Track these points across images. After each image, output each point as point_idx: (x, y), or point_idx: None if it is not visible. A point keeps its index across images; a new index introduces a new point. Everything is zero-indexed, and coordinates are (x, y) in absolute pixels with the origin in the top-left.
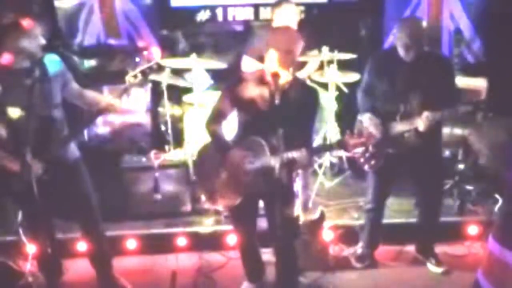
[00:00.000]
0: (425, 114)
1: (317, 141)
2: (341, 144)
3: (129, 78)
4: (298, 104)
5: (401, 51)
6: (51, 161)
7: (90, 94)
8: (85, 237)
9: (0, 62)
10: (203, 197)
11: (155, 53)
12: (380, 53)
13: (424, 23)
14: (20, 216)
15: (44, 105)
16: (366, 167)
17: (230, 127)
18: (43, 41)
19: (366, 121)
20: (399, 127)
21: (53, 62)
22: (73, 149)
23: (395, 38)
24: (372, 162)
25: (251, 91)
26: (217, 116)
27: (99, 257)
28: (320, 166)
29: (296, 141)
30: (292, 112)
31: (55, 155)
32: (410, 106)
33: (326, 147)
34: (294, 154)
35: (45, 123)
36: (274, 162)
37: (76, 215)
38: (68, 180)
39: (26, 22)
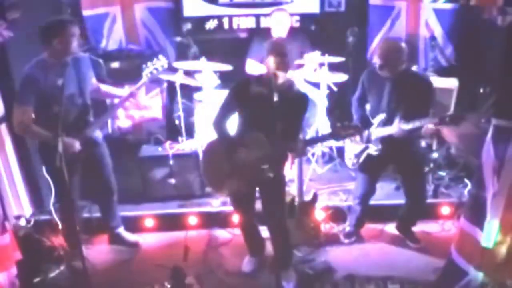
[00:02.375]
0: (397, 124)
1: (310, 134)
2: (332, 135)
3: (145, 73)
4: (293, 102)
5: (378, 70)
6: (85, 141)
7: (106, 87)
8: (104, 215)
9: (43, 57)
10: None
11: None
12: (370, 70)
13: (397, 45)
14: (52, 198)
15: (80, 93)
16: (352, 165)
17: (233, 124)
18: (80, 41)
19: None
20: (380, 132)
21: (84, 60)
22: (99, 135)
23: None
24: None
25: (254, 90)
26: (223, 114)
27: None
28: (313, 155)
29: (291, 133)
30: (288, 108)
31: (88, 137)
32: (390, 116)
33: (318, 138)
34: (291, 145)
35: (81, 109)
36: (274, 152)
37: (97, 196)
38: (95, 161)
39: (69, 23)
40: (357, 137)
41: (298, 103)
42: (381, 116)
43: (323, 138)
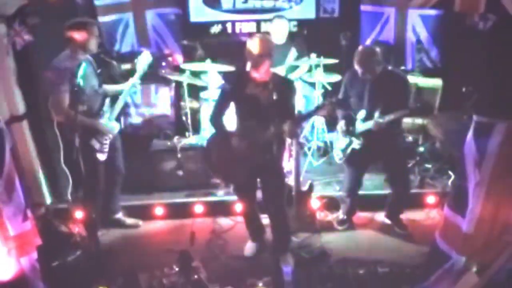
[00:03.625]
0: (376, 118)
1: (305, 129)
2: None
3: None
4: (281, 92)
5: (360, 75)
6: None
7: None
8: (106, 201)
9: (67, 52)
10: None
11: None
12: (351, 73)
13: (371, 50)
14: (70, 187)
15: (99, 86)
16: (339, 159)
17: (230, 118)
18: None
19: (339, 126)
20: (362, 126)
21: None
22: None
23: None
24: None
25: (244, 86)
26: (219, 108)
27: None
28: (309, 149)
29: (284, 117)
30: (278, 98)
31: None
32: (370, 112)
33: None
34: (284, 127)
35: (101, 99)
36: (268, 137)
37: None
38: (112, 147)
39: (89, 25)
40: (343, 128)
41: (286, 92)
42: (362, 113)
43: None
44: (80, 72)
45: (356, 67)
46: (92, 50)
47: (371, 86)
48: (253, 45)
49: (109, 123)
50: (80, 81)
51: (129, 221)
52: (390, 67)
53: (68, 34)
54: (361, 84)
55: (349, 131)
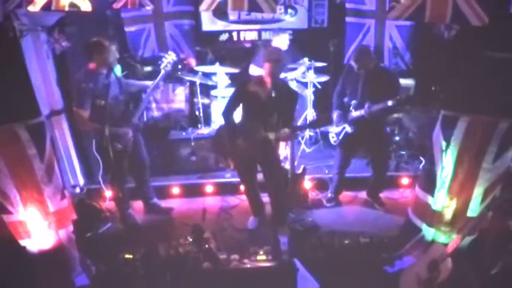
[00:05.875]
0: (366, 106)
1: (299, 122)
2: (313, 124)
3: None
4: (285, 98)
5: (355, 70)
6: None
7: (133, 81)
8: (139, 189)
9: (89, 68)
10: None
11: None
12: (348, 69)
13: (366, 49)
14: (101, 171)
15: (121, 93)
16: (333, 142)
17: (238, 114)
18: (117, 55)
19: (335, 115)
20: (355, 114)
21: (117, 69)
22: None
23: None
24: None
25: (255, 88)
26: (230, 106)
27: (145, 197)
28: (302, 137)
29: (284, 121)
30: (282, 103)
31: (133, 123)
32: (361, 102)
33: (303, 127)
34: (285, 130)
35: (124, 104)
36: (270, 136)
37: (134, 171)
38: (135, 143)
39: (106, 43)
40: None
41: (289, 97)
42: (355, 102)
43: (305, 127)
44: (99, 87)
45: (353, 63)
46: (111, 63)
47: (364, 80)
48: (266, 52)
49: (121, 129)
50: (100, 95)
51: (163, 205)
52: (382, 64)
53: (88, 51)
54: (356, 77)
55: (344, 118)
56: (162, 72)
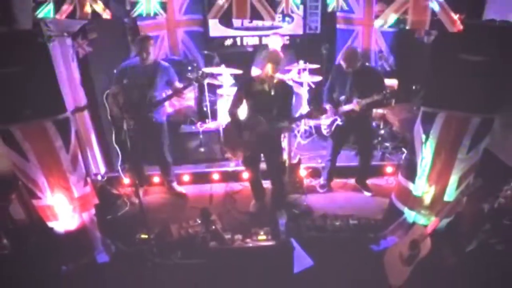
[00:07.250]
0: (355, 100)
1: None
2: (309, 114)
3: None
4: (283, 94)
5: (344, 69)
6: (144, 118)
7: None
8: (163, 174)
9: (132, 61)
10: (227, 152)
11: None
12: (336, 67)
13: (353, 50)
14: (120, 160)
15: (149, 86)
16: (326, 133)
17: (243, 111)
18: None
19: (327, 107)
20: (345, 107)
21: (163, 67)
22: (161, 116)
23: None
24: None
25: (256, 86)
26: (234, 103)
27: (167, 181)
28: (298, 131)
29: (283, 115)
30: (280, 98)
31: (146, 115)
32: (350, 97)
33: (300, 117)
34: (282, 124)
35: (146, 97)
36: (270, 129)
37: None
38: (152, 133)
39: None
40: (328, 114)
41: (286, 92)
42: (344, 97)
43: (301, 117)
44: (127, 72)
45: (342, 62)
46: (146, 58)
47: (352, 77)
48: (267, 55)
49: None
50: (125, 79)
51: (179, 189)
52: (367, 63)
53: (135, 43)
54: (345, 75)
55: (334, 111)
56: (192, 83)
